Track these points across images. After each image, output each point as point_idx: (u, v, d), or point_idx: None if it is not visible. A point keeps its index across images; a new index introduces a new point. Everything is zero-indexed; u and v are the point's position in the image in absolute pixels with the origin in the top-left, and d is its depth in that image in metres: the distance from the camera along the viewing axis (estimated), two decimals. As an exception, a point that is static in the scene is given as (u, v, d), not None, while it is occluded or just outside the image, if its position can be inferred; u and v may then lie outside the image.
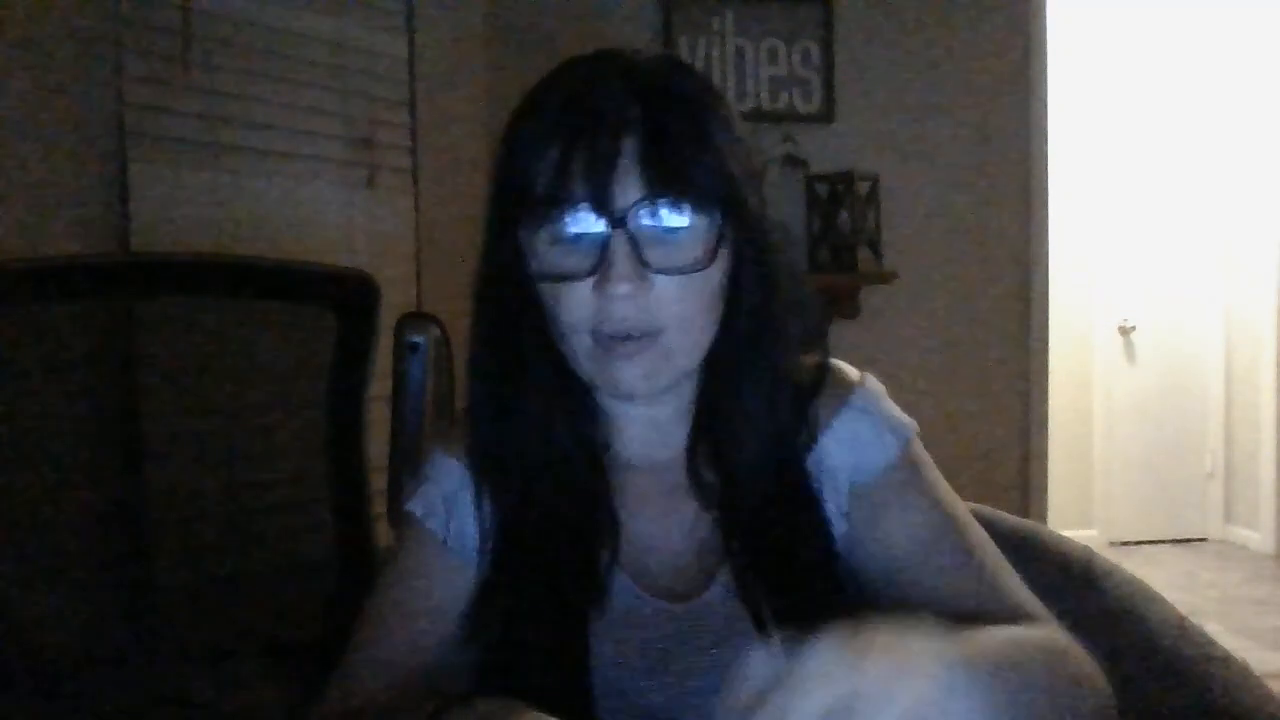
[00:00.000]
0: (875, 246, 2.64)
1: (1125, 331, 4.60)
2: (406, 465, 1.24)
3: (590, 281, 0.63)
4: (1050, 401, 2.86)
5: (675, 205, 0.63)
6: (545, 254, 0.64)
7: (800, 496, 0.71)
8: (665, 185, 0.62)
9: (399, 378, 1.25)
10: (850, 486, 0.71)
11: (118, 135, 1.66)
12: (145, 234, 1.69)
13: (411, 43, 2.17)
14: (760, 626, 0.67)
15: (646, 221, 0.63)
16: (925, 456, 0.75)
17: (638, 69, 0.65)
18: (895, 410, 0.74)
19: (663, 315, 0.64)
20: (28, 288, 1.13)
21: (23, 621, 1.11)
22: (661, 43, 2.59)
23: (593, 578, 0.68)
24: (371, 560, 1.21)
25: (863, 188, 2.61)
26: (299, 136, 1.97)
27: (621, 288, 0.62)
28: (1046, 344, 2.84)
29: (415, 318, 1.28)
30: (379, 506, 1.25)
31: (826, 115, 2.70)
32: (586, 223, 0.63)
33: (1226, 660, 0.78)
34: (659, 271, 0.63)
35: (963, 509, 0.73)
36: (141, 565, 1.22)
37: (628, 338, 0.64)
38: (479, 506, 0.72)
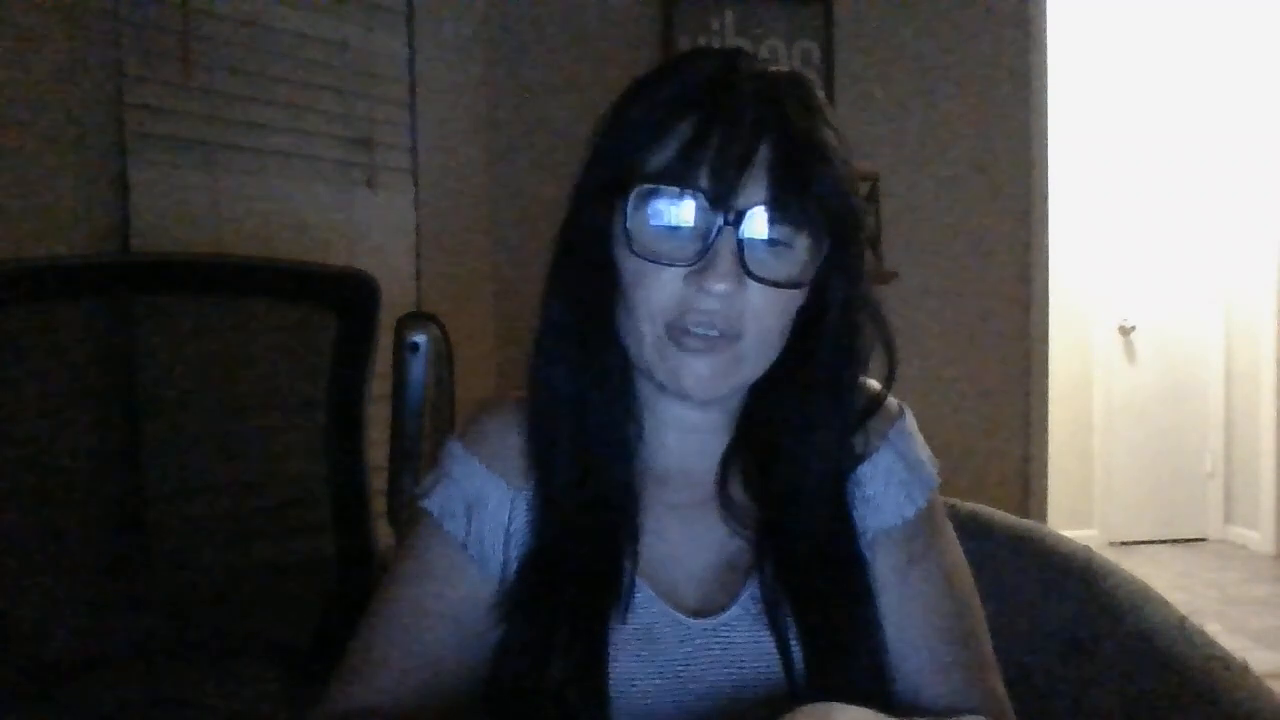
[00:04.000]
0: (875, 246, 2.64)
1: (1125, 331, 4.60)
2: (406, 465, 1.24)
3: (682, 271, 0.62)
4: (1050, 401, 2.86)
5: (790, 218, 0.62)
6: (644, 232, 0.62)
7: (839, 523, 0.70)
8: (788, 196, 0.61)
9: (399, 378, 1.25)
10: (873, 531, 0.71)
11: (118, 135, 1.66)
12: (145, 234, 1.69)
13: (411, 43, 2.17)
14: (784, 650, 0.66)
15: (758, 227, 0.62)
16: (942, 511, 0.75)
17: (773, 77, 0.65)
18: (925, 454, 0.75)
19: (746, 322, 0.63)
20: (28, 288, 1.13)
21: (23, 621, 1.11)
22: (661, 43, 2.59)
23: (615, 586, 0.66)
24: (371, 560, 1.21)
25: (863, 188, 2.61)
26: (299, 136, 1.97)
27: (719, 286, 0.61)
28: (1046, 344, 2.83)
29: (415, 318, 1.28)
30: (379, 506, 1.25)
31: (826, 115, 2.69)
32: (699, 213, 0.61)
33: (1226, 660, 0.77)
34: (758, 279, 0.62)
35: (966, 575, 0.73)
36: (141, 565, 1.22)
37: (704, 335, 0.63)
38: (517, 506, 0.70)
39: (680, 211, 0.62)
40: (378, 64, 2.12)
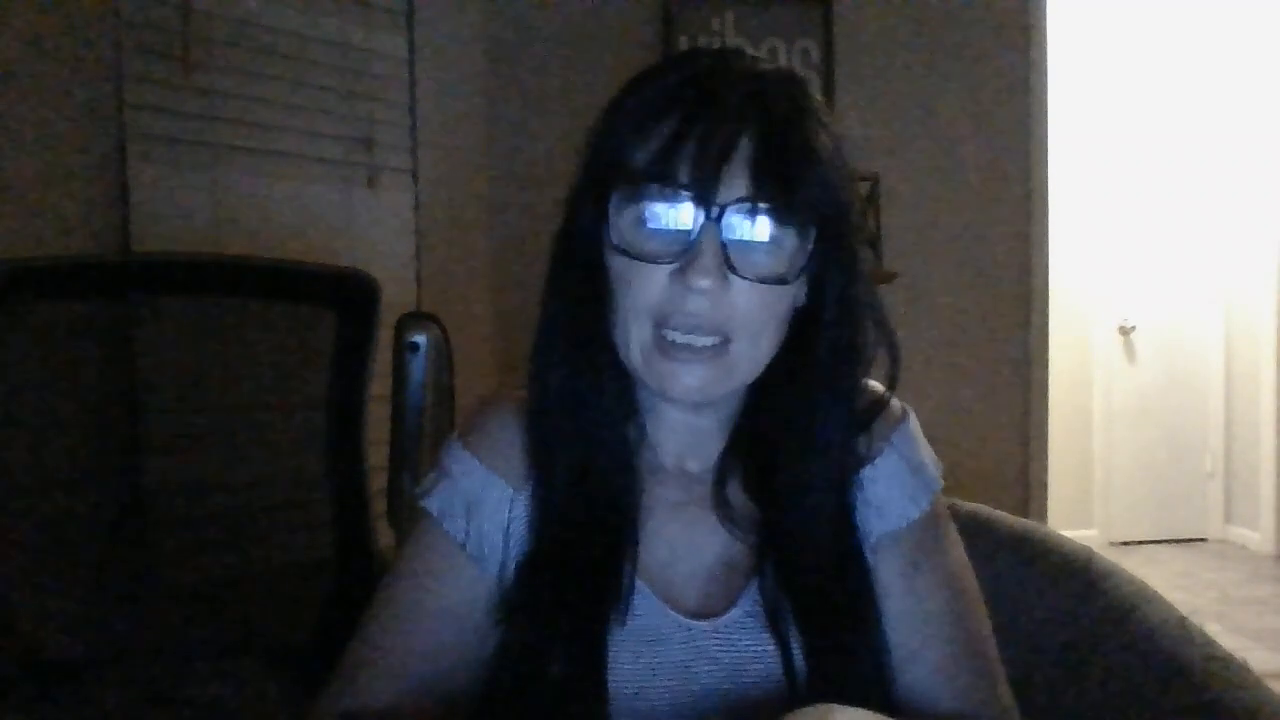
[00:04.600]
0: (875, 246, 2.64)
1: (1125, 331, 4.60)
2: (406, 465, 1.24)
3: (667, 269, 0.61)
4: (1050, 401, 2.86)
5: (774, 214, 0.61)
6: (629, 231, 0.62)
7: (841, 525, 0.70)
8: (770, 192, 0.61)
9: (399, 378, 1.25)
10: (876, 535, 0.71)
11: (118, 135, 1.66)
12: (145, 234, 1.69)
13: (411, 43, 2.17)
14: (785, 652, 0.65)
15: (742, 223, 0.61)
16: (946, 514, 0.74)
17: (762, 75, 0.64)
18: (929, 456, 0.74)
19: (735, 321, 0.62)
20: (28, 288, 1.13)
21: (23, 621, 1.11)
22: (661, 43, 2.59)
23: (615, 586, 0.66)
24: (371, 560, 1.21)
25: (863, 188, 2.61)
26: (299, 136, 1.97)
27: (703, 282, 0.60)
28: (1046, 344, 2.83)
29: (415, 318, 1.28)
30: (379, 506, 1.25)
31: (826, 115, 2.69)
32: (681, 210, 0.61)
33: (1226, 660, 0.77)
34: (742, 276, 0.61)
35: (970, 579, 0.73)
36: (142, 565, 1.22)
37: (690, 345, 0.62)
38: (521, 505, 0.69)
39: (662, 208, 0.61)
40: (378, 64, 2.12)
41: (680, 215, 0.61)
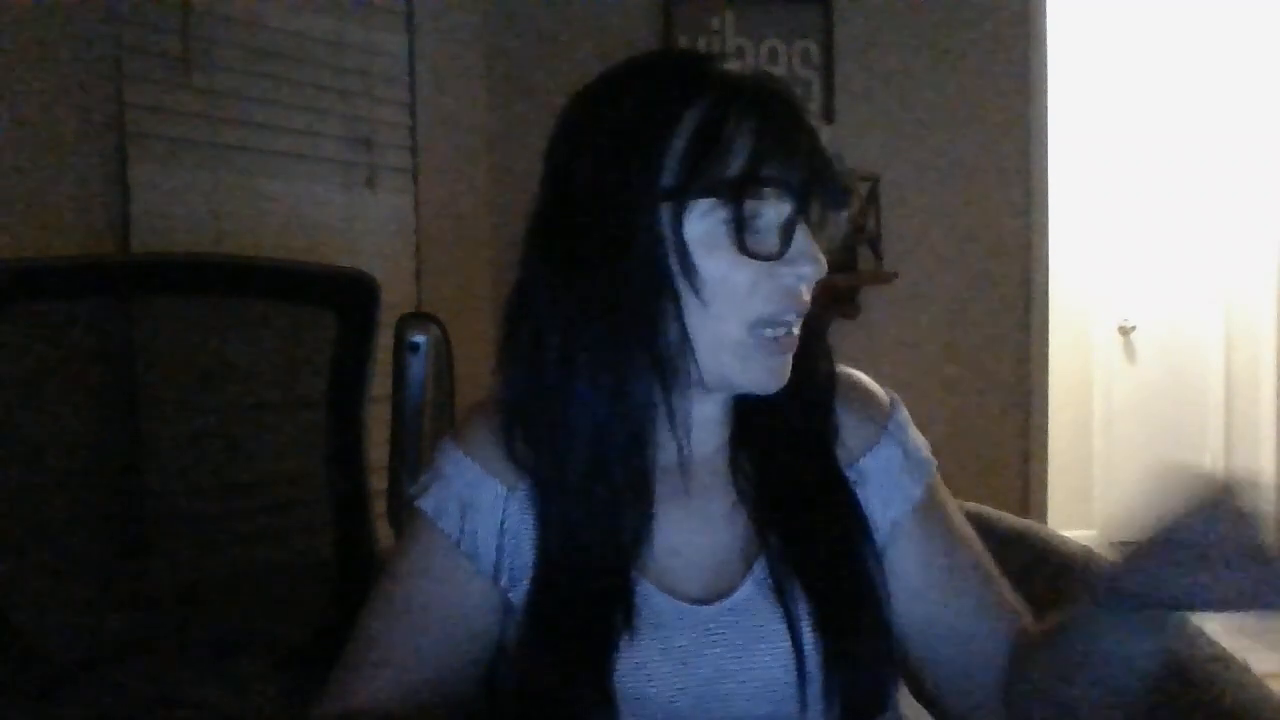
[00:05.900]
0: (875, 246, 2.64)
1: (1125, 331, 4.59)
2: (406, 465, 1.24)
3: (767, 266, 0.63)
4: (1050, 401, 2.86)
5: (841, 202, 0.67)
6: (727, 234, 0.63)
7: (840, 494, 0.72)
8: (836, 182, 0.66)
9: (399, 378, 1.25)
10: (886, 523, 0.73)
11: (118, 135, 1.66)
12: (145, 234, 1.69)
13: (411, 43, 2.17)
14: (792, 630, 0.66)
15: (822, 212, 0.66)
16: (943, 488, 0.76)
17: (771, 76, 0.69)
18: (920, 440, 0.76)
19: (805, 304, 0.67)
20: (28, 288, 1.13)
21: (23, 621, 1.11)
22: (661, 42, 2.59)
23: (621, 586, 0.66)
24: (371, 560, 1.21)
25: (863, 188, 2.61)
26: (299, 136, 1.97)
27: (812, 269, 0.64)
28: (1046, 344, 2.83)
29: (415, 318, 1.28)
30: (379, 506, 1.25)
31: (826, 115, 2.69)
32: (778, 207, 0.64)
33: (1226, 660, 0.77)
34: (825, 260, 0.66)
35: (974, 539, 0.77)
36: (141, 565, 1.22)
37: (780, 339, 0.65)
38: (519, 510, 0.70)
39: (764, 207, 0.63)
40: (378, 64, 2.12)
41: (778, 212, 0.64)
